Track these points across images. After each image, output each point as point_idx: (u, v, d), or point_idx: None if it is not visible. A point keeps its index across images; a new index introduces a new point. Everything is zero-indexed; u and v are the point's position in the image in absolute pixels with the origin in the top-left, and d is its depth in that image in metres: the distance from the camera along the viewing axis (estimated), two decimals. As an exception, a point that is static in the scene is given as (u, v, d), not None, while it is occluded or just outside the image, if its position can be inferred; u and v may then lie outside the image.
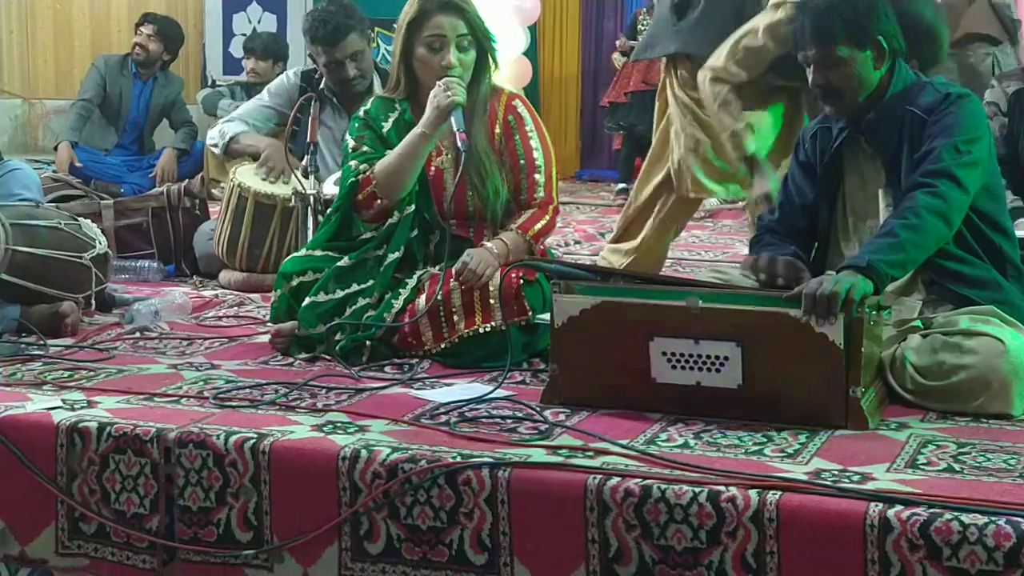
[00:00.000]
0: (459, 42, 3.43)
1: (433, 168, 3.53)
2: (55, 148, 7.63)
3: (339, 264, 3.46)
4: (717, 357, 2.75)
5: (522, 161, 3.51)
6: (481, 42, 3.48)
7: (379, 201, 3.46)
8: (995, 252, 3.10)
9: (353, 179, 3.49)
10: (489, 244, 3.41)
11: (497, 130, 3.52)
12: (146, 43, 7.62)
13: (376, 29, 4.86)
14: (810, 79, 3.16)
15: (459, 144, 3.35)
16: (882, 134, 3.13)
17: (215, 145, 4.86)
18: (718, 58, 4.07)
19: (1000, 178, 3.19)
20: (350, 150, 3.57)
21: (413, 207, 3.48)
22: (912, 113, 3.08)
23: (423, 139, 3.40)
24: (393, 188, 3.44)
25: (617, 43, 8.89)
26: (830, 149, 3.21)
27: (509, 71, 8.13)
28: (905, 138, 3.08)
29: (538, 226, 3.49)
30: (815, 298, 2.68)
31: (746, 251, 3.76)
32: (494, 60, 3.55)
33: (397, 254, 3.45)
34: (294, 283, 3.48)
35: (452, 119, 3.35)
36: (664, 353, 2.78)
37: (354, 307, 3.39)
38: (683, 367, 2.78)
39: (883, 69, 3.11)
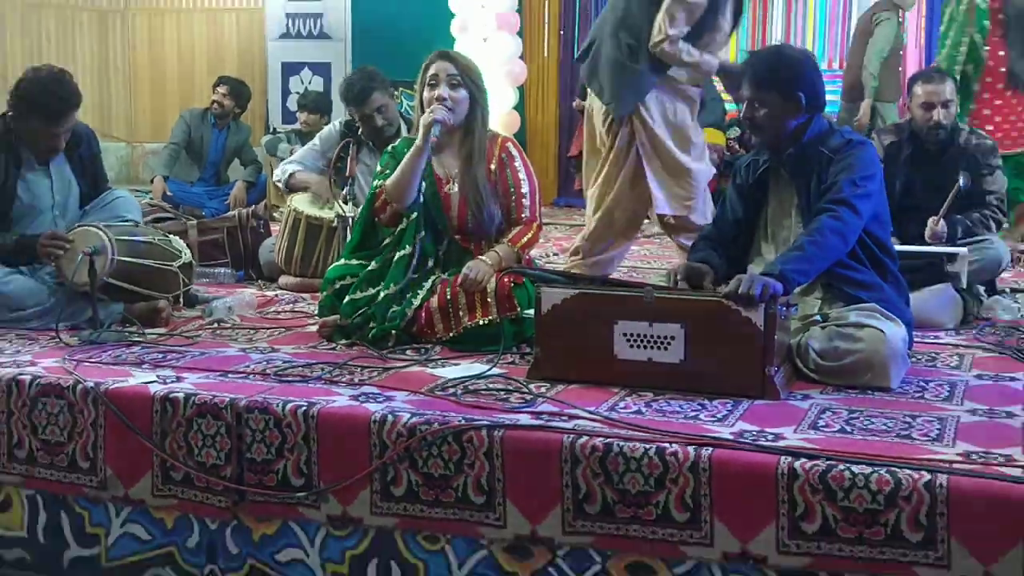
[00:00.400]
0: (449, 80, 3.42)
1: (444, 192, 3.52)
2: (151, 181, 7.61)
3: (369, 269, 3.47)
4: (666, 337, 2.75)
5: (512, 188, 3.50)
6: (471, 88, 3.45)
7: (390, 206, 3.47)
8: (879, 264, 3.10)
9: (372, 192, 3.56)
10: (484, 256, 3.42)
11: (493, 165, 3.51)
12: (221, 100, 7.60)
13: (400, 88, 4.84)
14: (742, 113, 3.18)
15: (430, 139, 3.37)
16: (798, 166, 3.13)
17: (279, 181, 4.87)
18: (657, 32, 4.04)
19: (887, 207, 3.20)
20: (377, 173, 3.59)
21: (416, 214, 3.46)
22: (822, 153, 3.08)
23: (417, 151, 3.40)
24: (398, 194, 3.44)
25: (574, 104, 8.74)
26: (757, 175, 3.23)
27: (501, 122, 8.11)
28: (815, 171, 3.08)
29: (524, 239, 3.49)
30: (738, 293, 2.70)
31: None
32: (485, 109, 3.50)
33: (404, 251, 3.44)
34: (336, 286, 3.48)
35: (431, 130, 3.36)
36: (625, 334, 2.78)
37: (378, 301, 3.38)
38: (639, 346, 2.77)
39: (802, 119, 3.10)
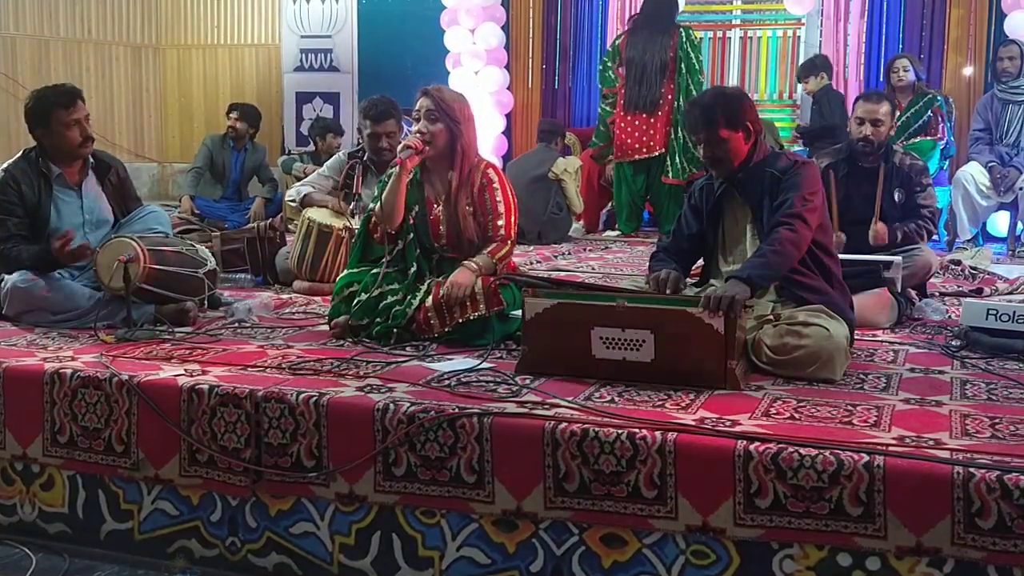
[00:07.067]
0: (427, 115, 3.42)
1: (432, 214, 3.51)
2: (180, 200, 7.59)
3: (372, 272, 3.47)
4: (637, 340, 2.74)
5: (488, 206, 3.47)
6: (447, 122, 3.42)
7: (380, 227, 3.49)
8: (824, 269, 3.12)
9: (367, 214, 3.58)
10: (466, 264, 3.39)
11: (475, 189, 3.47)
12: (235, 124, 7.57)
13: (405, 118, 4.85)
14: (701, 153, 3.18)
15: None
16: (750, 188, 3.14)
17: (293, 200, 4.85)
18: None
19: (828, 217, 3.22)
20: (374, 198, 3.57)
21: (412, 235, 3.47)
22: (771, 173, 3.09)
23: (395, 177, 3.41)
24: (384, 216, 3.45)
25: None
26: (714, 197, 3.23)
27: (489, 145, 8.12)
28: (766, 190, 3.09)
29: (500, 253, 3.45)
30: (711, 301, 2.70)
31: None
32: (465, 140, 3.44)
33: (412, 269, 3.45)
34: (345, 293, 3.47)
35: (403, 154, 3.39)
36: (601, 338, 2.77)
37: (384, 302, 3.39)
38: (614, 347, 2.76)
39: (750, 144, 3.12)
